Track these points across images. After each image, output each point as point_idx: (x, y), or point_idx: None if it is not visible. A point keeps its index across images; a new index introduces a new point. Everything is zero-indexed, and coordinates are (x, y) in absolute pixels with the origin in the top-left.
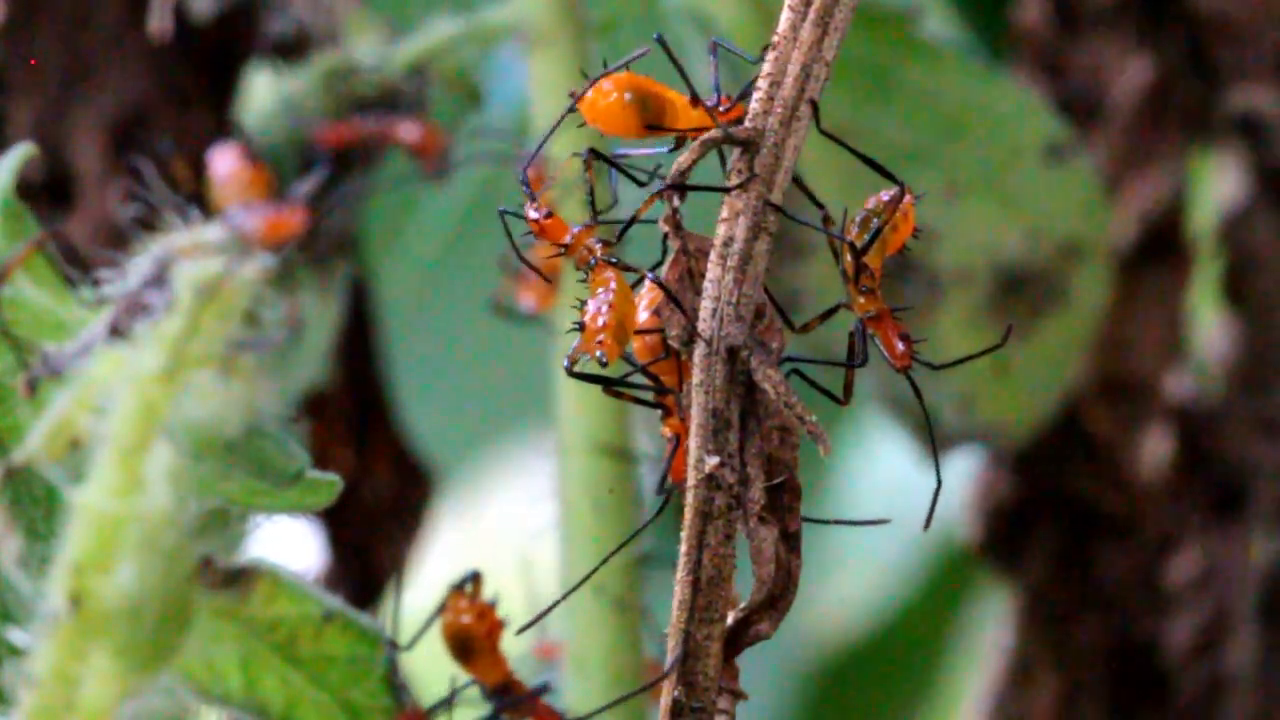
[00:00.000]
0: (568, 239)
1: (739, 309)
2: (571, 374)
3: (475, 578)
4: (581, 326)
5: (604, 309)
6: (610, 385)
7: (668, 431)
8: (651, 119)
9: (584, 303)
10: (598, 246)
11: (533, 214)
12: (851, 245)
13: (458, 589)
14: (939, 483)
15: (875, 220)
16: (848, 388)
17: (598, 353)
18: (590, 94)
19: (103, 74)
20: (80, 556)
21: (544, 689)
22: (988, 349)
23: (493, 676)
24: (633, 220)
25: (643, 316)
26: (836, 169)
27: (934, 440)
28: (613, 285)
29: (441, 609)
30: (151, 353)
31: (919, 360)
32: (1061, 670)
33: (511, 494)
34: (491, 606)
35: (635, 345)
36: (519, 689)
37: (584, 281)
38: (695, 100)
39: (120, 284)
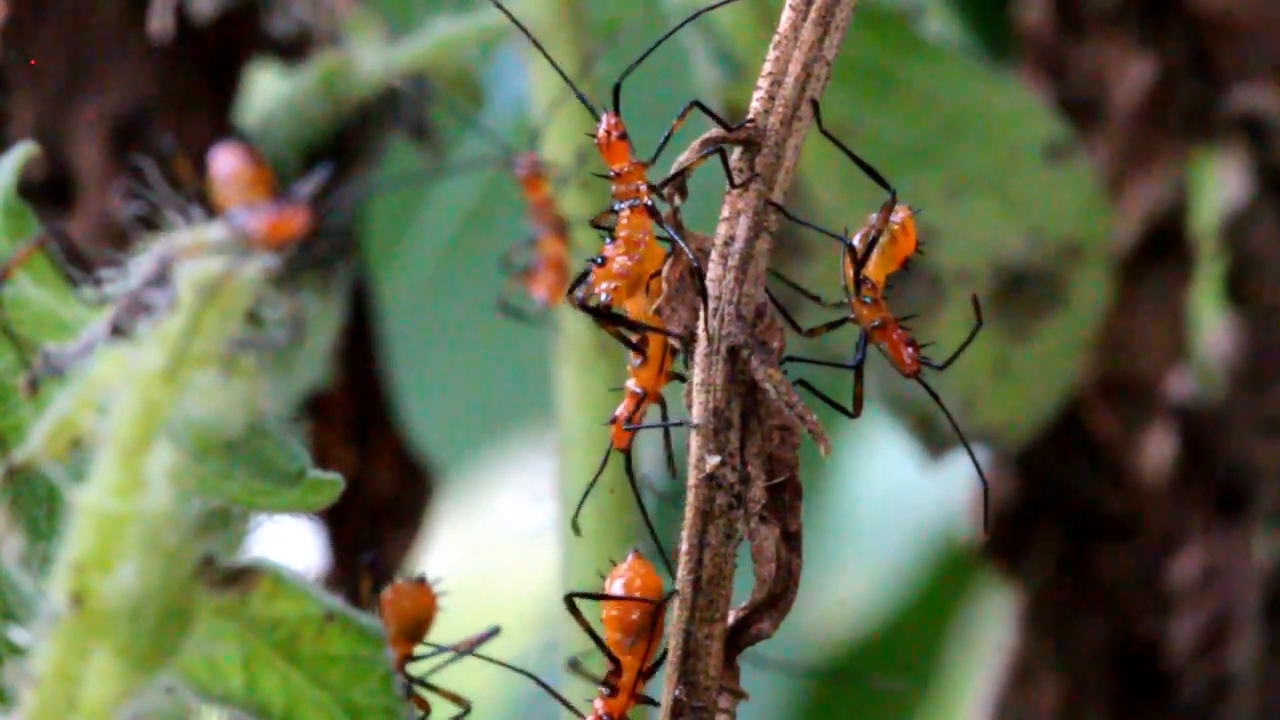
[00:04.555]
0: (625, 167)
1: (740, 308)
2: (580, 307)
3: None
4: (603, 261)
5: (632, 256)
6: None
7: (633, 384)
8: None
9: (612, 236)
10: (646, 190)
11: (610, 121)
12: (852, 250)
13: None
14: (985, 484)
15: (875, 232)
16: (858, 400)
17: (603, 295)
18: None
19: (103, 74)
20: (81, 556)
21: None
22: (973, 333)
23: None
24: (653, 189)
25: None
26: (837, 168)
27: (965, 441)
28: (645, 236)
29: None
30: (153, 352)
31: (924, 362)
32: (1063, 671)
33: (511, 494)
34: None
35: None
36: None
37: (616, 214)
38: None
39: (122, 283)
